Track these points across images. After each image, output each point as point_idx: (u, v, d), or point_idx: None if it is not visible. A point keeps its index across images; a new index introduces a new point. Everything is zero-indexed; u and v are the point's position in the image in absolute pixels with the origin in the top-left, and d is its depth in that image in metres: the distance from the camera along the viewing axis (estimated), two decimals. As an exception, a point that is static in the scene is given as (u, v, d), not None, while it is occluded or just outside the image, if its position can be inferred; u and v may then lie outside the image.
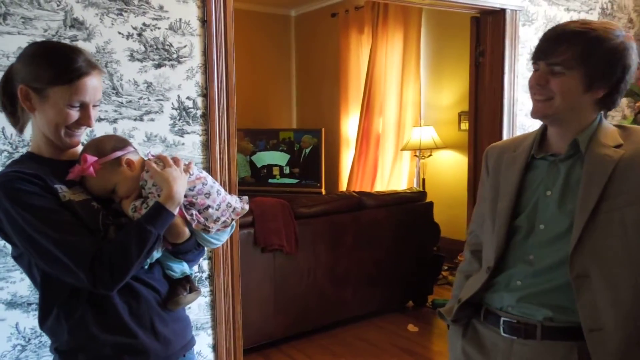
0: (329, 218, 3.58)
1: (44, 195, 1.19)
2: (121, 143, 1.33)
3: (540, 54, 1.31)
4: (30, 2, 1.93)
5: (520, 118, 3.30)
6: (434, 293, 4.17)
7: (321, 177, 5.60)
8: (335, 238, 3.59)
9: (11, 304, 1.98)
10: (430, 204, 4.11)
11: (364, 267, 3.71)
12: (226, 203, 1.38)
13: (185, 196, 1.31)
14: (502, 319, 1.36)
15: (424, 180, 5.33)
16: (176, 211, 1.27)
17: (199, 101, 2.30)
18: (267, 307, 3.30)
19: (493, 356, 1.38)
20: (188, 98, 2.27)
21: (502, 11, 3.20)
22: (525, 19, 3.29)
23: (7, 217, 1.18)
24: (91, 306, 1.24)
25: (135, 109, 2.16)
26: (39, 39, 1.91)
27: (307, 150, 5.65)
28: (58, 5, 1.98)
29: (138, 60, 2.15)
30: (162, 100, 2.22)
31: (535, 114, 1.35)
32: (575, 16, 3.46)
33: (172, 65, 2.23)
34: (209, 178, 1.40)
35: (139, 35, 2.14)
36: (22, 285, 1.99)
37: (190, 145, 2.29)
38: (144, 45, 2.16)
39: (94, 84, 1.24)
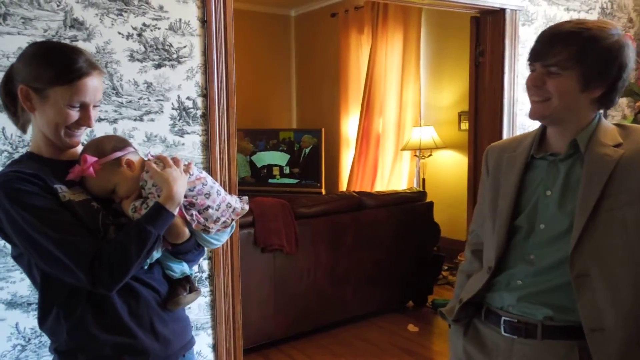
0: (329, 218, 3.58)
1: (44, 195, 1.19)
2: (121, 143, 1.33)
3: (536, 56, 1.31)
4: (30, 2, 1.93)
5: (520, 118, 3.30)
6: (434, 293, 4.17)
7: (321, 177, 5.60)
8: (335, 238, 3.59)
9: (11, 304, 1.98)
10: (430, 203, 4.11)
11: (364, 267, 3.71)
12: (226, 203, 1.38)
13: (185, 196, 1.31)
14: (503, 318, 1.36)
15: (424, 180, 5.33)
16: (176, 211, 1.27)
17: (199, 101, 2.30)
18: (267, 307, 3.30)
19: (494, 356, 1.39)
20: (188, 98, 2.27)
21: (502, 11, 3.21)
22: (525, 18, 3.29)
23: (7, 217, 1.19)
24: (91, 306, 1.24)
25: (135, 109, 2.16)
26: (39, 40, 1.91)
27: (307, 150, 5.65)
28: (58, 6, 1.98)
29: (138, 60, 2.15)
30: (162, 100, 2.22)
31: (533, 115, 1.36)
32: (575, 16, 3.46)
33: (172, 66, 2.23)
34: (209, 178, 1.40)
35: (139, 35, 2.14)
36: (22, 285, 1.99)
37: (190, 146, 2.29)
38: (144, 46, 2.16)
39: (94, 85, 1.25)
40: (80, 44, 1.98)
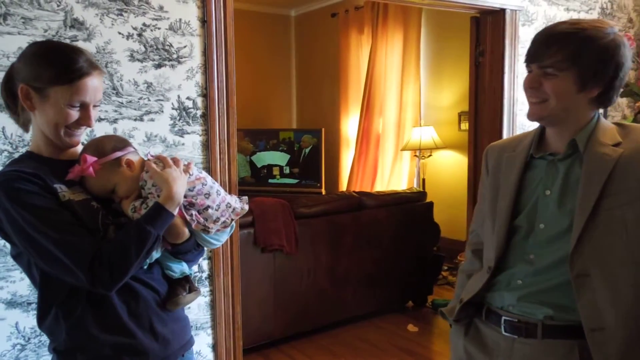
0: (329, 218, 3.59)
1: (44, 195, 1.20)
2: (121, 143, 1.33)
3: (532, 57, 1.31)
4: (30, 2, 1.93)
5: (520, 118, 3.30)
6: (433, 293, 4.17)
7: (321, 177, 5.60)
8: (335, 238, 3.59)
9: (11, 304, 1.98)
10: (430, 204, 4.11)
11: (364, 267, 3.71)
12: (226, 203, 1.38)
13: (185, 196, 1.31)
14: (503, 318, 1.37)
15: (424, 180, 5.33)
16: (176, 211, 1.27)
17: (199, 101, 2.30)
18: (267, 307, 3.30)
19: (495, 355, 1.39)
20: (188, 98, 2.27)
21: (502, 11, 3.21)
22: (525, 18, 3.29)
23: (6, 217, 1.19)
24: (90, 306, 1.24)
25: (135, 109, 2.16)
26: (39, 40, 1.91)
27: (307, 150, 5.65)
28: (58, 6, 1.98)
29: (138, 60, 2.15)
30: (162, 100, 2.22)
31: (531, 117, 1.36)
32: (575, 16, 3.47)
33: (172, 66, 2.23)
34: (209, 178, 1.40)
35: (139, 35, 2.14)
36: (22, 285, 1.99)
37: (190, 146, 2.29)
38: (144, 46, 2.16)
39: (94, 84, 1.25)
40: (80, 44, 1.98)
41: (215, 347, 2.44)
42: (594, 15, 3.57)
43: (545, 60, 1.27)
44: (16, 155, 1.61)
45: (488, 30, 3.31)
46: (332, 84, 6.21)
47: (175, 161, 1.33)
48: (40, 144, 1.30)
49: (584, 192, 1.27)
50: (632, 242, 1.25)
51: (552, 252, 1.31)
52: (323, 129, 5.63)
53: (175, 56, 2.23)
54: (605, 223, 1.25)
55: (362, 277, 3.71)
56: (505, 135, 3.25)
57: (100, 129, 2.04)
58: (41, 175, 1.21)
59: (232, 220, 1.39)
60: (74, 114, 1.24)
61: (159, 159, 1.33)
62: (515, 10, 3.23)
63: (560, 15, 3.42)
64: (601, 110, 1.37)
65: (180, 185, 1.28)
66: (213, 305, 2.41)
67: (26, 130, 1.34)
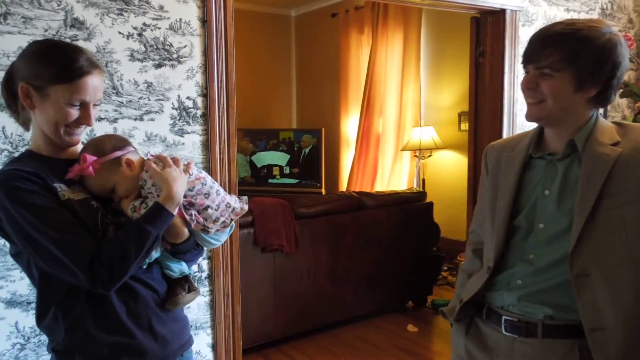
0: (329, 218, 3.59)
1: (44, 194, 1.19)
2: (121, 143, 1.33)
3: (528, 58, 1.31)
4: (30, 1, 1.93)
5: (520, 118, 3.31)
6: (433, 293, 4.17)
7: (321, 177, 5.60)
8: (335, 238, 3.59)
9: (10, 303, 1.98)
10: (430, 204, 4.11)
11: (364, 267, 3.71)
12: (225, 203, 1.38)
13: (185, 196, 1.31)
14: (504, 317, 1.37)
15: (423, 180, 5.33)
16: (175, 211, 1.27)
17: (199, 101, 2.30)
18: (267, 307, 3.30)
19: (495, 354, 1.39)
20: (188, 98, 2.27)
21: (502, 11, 3.21)
22: (525, 19, 3.29)
23: (6, 216, 1.19)
24: (89, 305, 1.24)
25: (135, 109, 2.16)
26: (39, 39, 1.91)
27: (307, 150, 5.65)
28: (58, 5, 1.98)
29: (138, 60, 2.15)
30: (162, 100, 2.22)
31: (529, 117, 1.36)
32: (575, 17, 3.47)
33: (172, 65, 2.23)
34: (209, 178, 1.40)
35: (139, 35, 2.14)
36: (22, 284, 1.99)
37: (190, 145, 2.30)
38: (144, 45, 2.16)
39: (94, 83, 1.25)
40: (80, 44, 1.98)
41: (214, 347, 2.44)
42: (594, 15, 3.57)
43: (542, 61, 1.27)
44: (16, 155, 1.61)
45: (488, 30, 3.32)
46: (332, 84, 6.21)
47: (175, 161, 1.33)
48: (40, 142, 1.30)
49: (583, 192, 1.27)
50: (631, 242, 1.25)
51: (552, 251, 1.31)
52: (323, 129, 5.63)
53: (175, 56, 2.23)
54: (604, 223, 1.25)
55: (362, 277, 3.71)
56: (505, 136, 3.25)
57: (100, 129, 2.04)
58: (41, 174, 1.21)
59: (232, 220, 1.39)
60: (74, 112, 1.24)
61: (159, 159, 1.33)
62: (516, 11, 3.23)
63: (560, 15, 3.42)
64: (601, 111, 1.37)
65: (180, 185, 1.28)
66: (213, 305, 2.41)
67: (26, 129, 1.34)
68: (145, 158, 1.35)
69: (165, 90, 2.22)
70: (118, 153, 1.30)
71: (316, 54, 6.47)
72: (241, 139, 5.75)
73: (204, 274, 2.39)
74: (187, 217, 1.32)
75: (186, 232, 1.34)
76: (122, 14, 2.10)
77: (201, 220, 1.33)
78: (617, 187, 1.25)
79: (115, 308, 1.25)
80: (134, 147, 1.36)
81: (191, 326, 2.14)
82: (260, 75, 6.36)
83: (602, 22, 1.30)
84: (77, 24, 2.02)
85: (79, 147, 1.35)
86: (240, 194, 1.68)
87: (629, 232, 1.25)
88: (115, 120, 2.12)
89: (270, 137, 5.83)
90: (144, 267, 1.32)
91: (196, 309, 2.37)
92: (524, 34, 3.26)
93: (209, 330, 2.42)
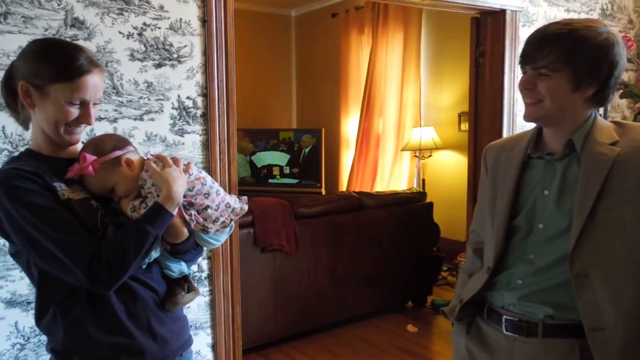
0: (329, 218, 3.59)
1: (43, 194, 1.19)
2: (121, 142, 1.33)
3: (526, 58, 1.31)
4: (30, 1, 1.93)
5: (520, 118, 3.30)
6: (433, 293, 4.17)
7: (321, 177, 5.60)
8: (335, 238, 3.59)
9: (10, 303, 1.98)
10: (430, 204, 4.11)
11: (364, 268, 3.71)
12: (225, 203, 1.38)
13: (185, 196, 1.31)
14: (504, 317, 1.37)
15: (423, 180, 5.33)
16: (175, 211, 1.27)
17: (199, 101, 2.30)
18: (267, 307, 3.30)
19: (496, 354, 1.39)
20: (188, 98, 2.27)
21: (502, 12, 3.21)
22: (525, 19, 3.29)
23: (6, 215, 1.18)
24: (88, 305, 1.24)
25: (135, 109, 2.16)
26: (39, 38, 1.91)
27: (307, 150, 5.65)
28: (59, 5, 1.98)
29: (138, 59, 2.15)
30: (162, 99, 2.22)
31: (527, 117, 1.36)
32: (575, 17, 3.46)
33: (173, 65, 2.23)
34: (208, 178, 1.40)
35: (140, 35, 2.14)
36: (22, 284, 1.99)
37: (190, 145, 2.29)
38: (145, 45, 2.16)
39: (94, 82, 1.24)
40: (80, 44, 1.97)
41: (214, 347, 2.44)
42: (594, 16, 3.57)
43: (539, 62, 1.27)
44: (16, 154, 1.61)
45: (488, 30, 3.32)
46: (332, 84, 6.21)
47: (175, 161, 1.33)
48: (40, 141, 1.30)
49: (582, 192, 1.27)
50: (631, 242, 1.25)
51: (552, 251, 1.31)
52: (323, 129, 5.63)
53: (175, 56, 2.23)
54: (603, 223, 1.25)
55: (362, 277, 3.71)
56: (505, 136, 3.25)
57: (100, 129, 2.04)
58: (40, 173, 1.21)
59: (232, 220, 1.39)
60: (74, 111, 1.23)
61: (159, 159, 1.33)
62: (516, 11, 3.23)
63: (560, 16, 3.42)
64: (601, 111, 1.37)
65: (179, 185, 1.28)
66: (212, 305, 2.41)
67: (26, 128, 1.33)
68: (145, 158, 1.35)
69: (165, 90, 2.22)
70: (118, 153, 1.30)
71: (316, 54, 6.47)
72: (241, 139, 5.75)
73: (204, 274, 2.39)
74: (187, 217, 1.32)
75: (186, 232, 1.34)
76: (122, 14, 2.10)
77: (201, 220, 1.33)
78: (616, 187, 1.25)
79: (114, 308, 1.25)
80: (134, 147, 1.35)
81: (191, 326, 2.13)
82: (260, 75, 6.36)
83: (599, 21, 1.31)
84: (77, 23, 2.02)
85: (79, 146, 1.34)
86: (240, 194, 1.67)
87: (628, 232, 1.25)
88: (115, 120, 2.12)
89: (270, 137, 5.84)
90: (144, 267, 1.32)
91: (196, 309, 2.37)
92: (524, 35, 3.26)
93: (208, 331, 2.42)
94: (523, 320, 1.34)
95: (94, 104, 1.27)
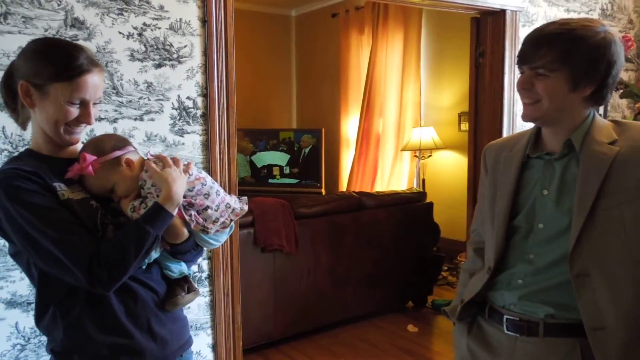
0: (329, 218, 3.59)
1: (43, 194, 1.19)
2: (121, 142, 1.33)
3: (523, 59, 1.31)
4: (30, 1, 1.93)
5: (520, 119, 3.30)
6: (433, 293, 4.17)
7: (321, 177, 5.60)
8: (335, 238, 3.59)
9: (11, 304, 1.98)
10: (430, 204, 4.11)
11: (364, 268, 3.71)
12: (225, 204, 1.38)
13: (184, 197, 1.31)
14: (505, 316, 1.37)
15: (423, 180, 5.33)
16: (175, 212, 1.27)
17: (199, 101, 2.30)
18: (267, 307, 3.30)
19: (498, 354, 1.39)
20: (188, 98, 2.27)
21: (502, 12, 3.21)
22: (525, 19, 3.29)
23: (5, 215, 1.18)
24: (88, 306, 1.24)
25: (135, 109, 2.16)
26: (39, 37, 1.91)
27: (307, 150, 5.65)
28: (59, 5, 1.98)
29: (138, 60, 2.15)
30: (162, 100, 2.22)
31: (525, 117, 1.36)
32: (575, 17, 3.46)
33: (173, 65, 2.23)
34: (208, 178, 1.40)
35: (140, 35, 2.14)
36: (22, 285, 1.99)
37: (190, 145, 2.29)
38: (145, 45, 2.16)
39: (94, 82, 1.24)
40: (80, 44, 1.98)
41: (215, 348, 2.44)
42: (594, 16, 3.57)
43: (536, 62, 1.27)
44: (16, 154, 1.61)
45: (488, 30, 3.32)
46: (332, 84, 6.21)
47: (175, 161, 1.33)
48: (40, 141, 1.30)
49: (581, 192, 1.27)
50: (630, 242, 1.25)
51: (552, 251, 1.31)
52: (323, 129, 5.63)
53: (175, 56, 2.23)
54: (603, 223, 1.25)
55: (362, 277, 3.71)
56: (505, 136, 3.25)
57: (100, 129, 2.04)
58: (40, 173, 1.21)
59: (232, 220, 1.38)
60: (74, 111, 1.23)
61: (159, 159, 1.33)
62: (516, 11, 3.23)
63: (560, 16, 3.42)
64: (601, 111, 1.37)
65: (179, 186, 1.28)
66: (213, 305, 2.41)
67: (24, 128, 1.33)
68: (145, 158, 1.35)
69: (165, 90, 2.22)
70: (118, 153, 1.30)
71: (316, 54, 6.47)
72: (241, 139, 5.75)
73: (204, 274, 2.39)
74: (187, 218, 1.32)
75: (186, 232, 1.34)
76: (122, 14, 2.10)
77: (201, 220, 1.33)
78: (615, 187, 1.25)
79: (114, 308, 1.25)
80: (134, 147, 1.35)
81: (191, 326, 2.13)
82: (260, 75, 6.36)
83: (596, 21, 1.30)
84: (77, 23, 2.02)
85: (79, 146, 1.34)
86: (240, 194, 1.68)
87: (628, 232, 1.25)
88: (115, 120, 2.12)
89: (270, 137, 5.84)
90: (143, 267, 1.32)
91: (196, 309, 2.37)
92: (524, 35, 3.24)
93: (209, 331, 2.42)
94: (524, 319, 1.34)
95: (94, 103, 1.27)
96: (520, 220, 1.37)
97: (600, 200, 1.25)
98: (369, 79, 5.63)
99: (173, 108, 2.24)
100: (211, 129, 2.31)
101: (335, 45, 6.11)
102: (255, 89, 6.18)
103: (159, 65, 2.20)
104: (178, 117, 2.26)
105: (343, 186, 6.10)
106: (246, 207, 1.43)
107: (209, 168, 2.32)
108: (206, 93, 2.30)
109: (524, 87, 1.31)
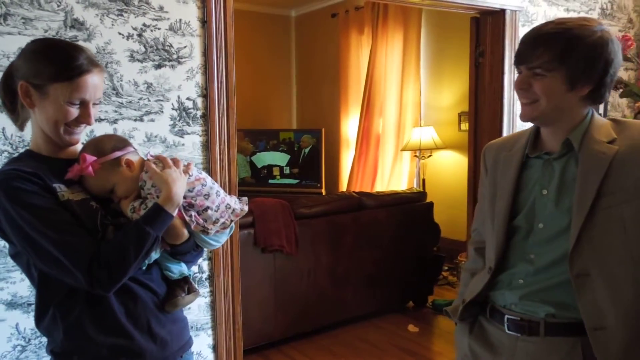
0: (329, 218, 3.58)
1: (43, 195, 1.19)
2: (121, 143, 1.33)
3: (520, 59, 1.31)
4: (30, 2, 1.93)
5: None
6: (434, 293, 4.17)
7: (321, 177, 5.60)
8: (336, 238, 3.59)
9: (11, 305, 1.98)
10: (431, 204, 4.11)
11: (364, 268, 3.71)
12: (225, 204, 1.38)
13: (185, 197, 1.31)
14: (506, 316, 1.37)
15: (424, 180, 5.33)
16: (175, 212, 1.27)
17: (199, 102, 2.30)
18: (267, 307, 3.30)
19: (499, 353, 1.39)
20: (188, 99, 2.27)
21: (502, 11, 3.21)
22: (525, 19, 3.29)
23: (5, 216, 1.18)
24: (88, 307, 1.24)
25: (135, 110, 2.16)
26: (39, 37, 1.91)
27: (307, 150, 5.65)
28: (58, 6, 1.98)
29: (138, 60, 2.15)
30: (162, 100, 2.22)
31: (523, 117, 1.36)
32: (574, 17, 3.46)
33: (172, 66, 2.23)
34: (209, 179, 1.40)
35: (139, 35, 2.14)
36: (22, 286, 1.99)
37: (190, 146, 2.29)
38: (144, 46, 2.16)
39: (94, 82, 1.24)
40: (80, 44, 1.98)
41: (215, 348, 2.44)
42: (593, 15, 3.57)
43: (533, 62, 1.27)
44: (16, 155, 1.61)
45: (488, 30, 3.32)
46: (332, 84, 6.20)
47: (175, 162, 1.33)
48: (39, 142, 1.29)
49: (581, 191, 1.27)
50: (630, 241, 1.25)
51: (552, 250, 1.31)
52: (323, 129, 5.63)
53: (175, 56, 2.23)
54: (603, 222, 1.25)
55: (362, 278, 3.71)
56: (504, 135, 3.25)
57: (100, 130, 2.04)
58: (40, 174, 1.21)
59: (232, 221, 1.38)
60: (74, 111, 1.23)
61: (159, 160, 1.33)
62: (515, 11, 3.23)
63: (560, 15, 3.42)
64: (601, 110, 1.37)
65: (179, 186, 1.28)
66: (213, 306, 2.41)
67: (21, 129, 1.33)
68: (145, 159, 1.35)
69: (165, 90, 2.22)
70: (118, 153, 1.29)
71: (316, 54, 6.47)
72: (241, 139, 5.75)
73: (205, 275, 2.39)
74: (187, 218, 1.32)
75: (186, 233, 1.34)
76: (122, 15, 2.10)
77: (201, 221, 1.33)
78: (615, 186, 1.25)
79: (114, 309, 1.25)
80: (134, 148, 1.35)
81: (192, 327, 2.13)
82: (260, 76, 6.36)
83: (593, 20, 1.30)
84: (77, 24, 2.02)
85: (79, 147, 1.34)
86: (241, 194, 1.68)
87: (628, 231, 1.25)
88: (115, 121, 2.12)
89: (270, 137, 5.84)
90: (144, 268, 1.32)
91: (197, 310, 2.37)
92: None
93: (209, 331, 2.42)
94: (525, 319, 1.34)
95: (94, 104, 1.27)
96: (520, 220, 1.37)
97: (599, 200, 1.25)
98: (369, 79, 5.63)
99: (173, 109, 2.24)
100: (211, 130, 2.31)
101: (335, 45, 6.11)
102: (255, 89, 6.18)
103: (158, 66, 2.20)
104: (178, 118, 2.26)
105: (343, 186, 6.10)
106: (246, 208, 1.43)
107: (209, 169, 2.32)
108: (206, 94, 2.30)
109: (522, 87, 1.31)
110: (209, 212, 1.34)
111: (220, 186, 1.47)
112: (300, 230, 3.40)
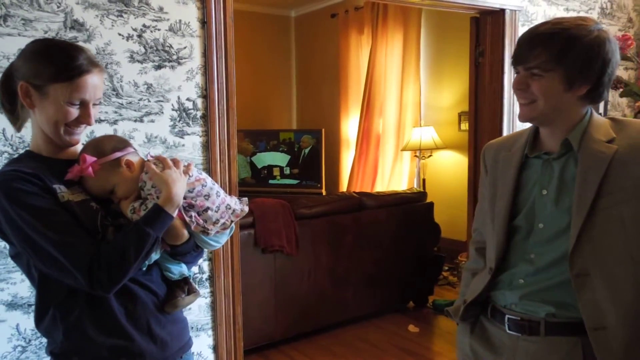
0: (330, 219, 3.59)
1: (43, 196, 1.19)
2: (121, 144, 1.33)
3: (517, 59, 1.31)
4: (30, 3, 1.94)
5: (520, 118, 3.30)
6: (434, 293, 4.17)
7: (321, 177, 5.61)
8: (336, 239, 3.59)
9: (12, 305, 1.98)
10: (431, 204, 4.11)
11: (365, 268, 3.71)
12: (225, 205, 1.38)
13: (185, 198, 1.31)
14: (507, 316, 1.38)
15: (424, 180, 5.33)
16: (175, 213, 1.27)
17: (199, 102, 2.30)
18: (268, 308, 3.30)
19: (500, 353, 1.39)
20: (188, 99, 2.27)
21: (502, 11, 3.21)
22: (524, 19, 3.29)
23: (5, 217, 1.18)
24: (88, 308, 1.24)
25: (135, 110, 2.16)
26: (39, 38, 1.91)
27: (307, 151, 5.66)
28: (58, 7, 1.98)
29: (138, 61, 2.15)
30: (162, 101, 2.22)
31: (521, 118, 1.36)
32: (571, 16, 3.46)
33: (172, 67, 2.23)
34: (209, 179, 1.40)
35: (139, 36, 2.14)
36: (23, 287, 1.99)
37: (190, 147, 2.30)
38: (144, 47, 2.16)
39: (94, 82, 1.24)
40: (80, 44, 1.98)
41: (216, 348, 2.44)
42: (593, 15, 3.57)
43: (530, 62, 1.27)
44: (16, 156, 1.61)
45: (488, 30, 3.32)
46: (332, 84, 6.21)
47: (175, 162, 1.33)
48: (39, 142, 1.29)
49: (580, 191, 1.27)
50: (630, 241, 1.25)
51: (552, 250, 1.32)
52: (323, 130, 5.63)
53: (175, 57, 2.23)
54: (602, 222, 1.25)
55: (362, 278, 3.71)
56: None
57: (101, 130, 2.04)
58: (40, 175, 1.21)
59: (232, 222, 1.38)
60: (74, 111, 1.23)
61: (159, 160, 1.33)
62: (515, 11, 3.23)
63: (560, 15, 3.42)
64: (601, 110, 1.37)
65: (179, 187, 1.28)
66: (214, 306, 2.41)
67: (19, 130, 1.33)
68: (145, 159, 1.35)
69: (165, 91, 2.22)
70: (118, 154, 1.29)
71: (316, 54, 6.47)
72: (241, 139, 5.75)
73: (205, 276, 2.39)
74: (187, 219, 1.31)
75: (186, 233, 1.34)
76: (121, 16, 2.10)
77: (201, 222, 1.33)
78: (614, 186, 1.25)
79: (114, 310, 1.25)
80: (134, 148, 1.35)
81: (192, 328, 2.14)
82: (260, 76, 6.36)
83: (590, 19, 1.30)
84: (77, 25, 2.02)
85: (79, 147, 1.34)
86: (241, 194, 1.68)
87: (627, 231, 1.25)
88: (115, 122, 2.12)
89: (270, 137, 5.84)
90: (144, 269, 1.32)
91: (197, 310, 2.37)
92: (524, 34, 3.26)
93: (210, 332, 2.42)
94: (525, 319, 1.34)
95: (94, 104, 1.27)
96: (520, 220, 1.37)
97: (599, 200, 1.25)
98: (369, 79, 5.63)
99: (173, 109, 2.25)
100: (211, 130, 2.31)
101: (334, 45, 6.11)
102: (255, 89, 6.18)
103: (158, 67, 2.20)
104: (178, 119, 2.26)
105: (343, 186, 6.10)
106: (246, 208, 1.43)
107: (209, 169, 2.32)
108: (206, 94, 2.30)
109: (519, 88, 1.31)
110: (209, 212, 1.34)
111: (221, 187, 1.47)
112: (300, 231, 3.40)
